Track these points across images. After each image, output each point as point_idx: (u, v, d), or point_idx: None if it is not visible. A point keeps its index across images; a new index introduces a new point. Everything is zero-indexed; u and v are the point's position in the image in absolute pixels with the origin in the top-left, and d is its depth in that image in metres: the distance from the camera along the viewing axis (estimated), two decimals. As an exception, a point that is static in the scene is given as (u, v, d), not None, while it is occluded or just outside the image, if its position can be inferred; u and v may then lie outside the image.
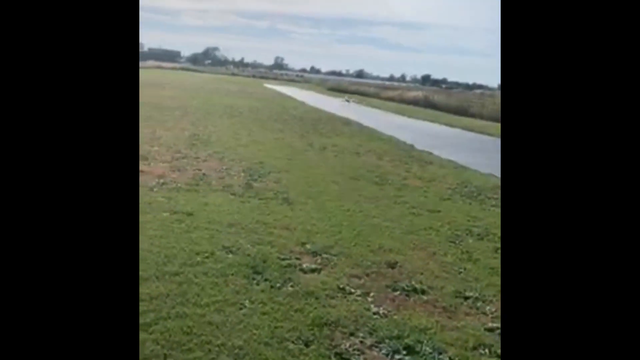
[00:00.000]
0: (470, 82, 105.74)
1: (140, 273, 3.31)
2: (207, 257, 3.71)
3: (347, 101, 30.00)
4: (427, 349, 2.81)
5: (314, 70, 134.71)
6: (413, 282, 3.66)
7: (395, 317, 3.13)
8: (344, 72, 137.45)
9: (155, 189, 5.52)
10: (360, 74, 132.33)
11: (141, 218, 4.46)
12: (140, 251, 3.68)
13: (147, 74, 45.17)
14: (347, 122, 16.33)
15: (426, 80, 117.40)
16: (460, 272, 3.95)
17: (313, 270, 3.69)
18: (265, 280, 3.42)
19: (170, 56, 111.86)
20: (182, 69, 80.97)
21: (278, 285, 3.37)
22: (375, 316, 3.11)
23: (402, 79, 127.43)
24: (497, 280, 3.82)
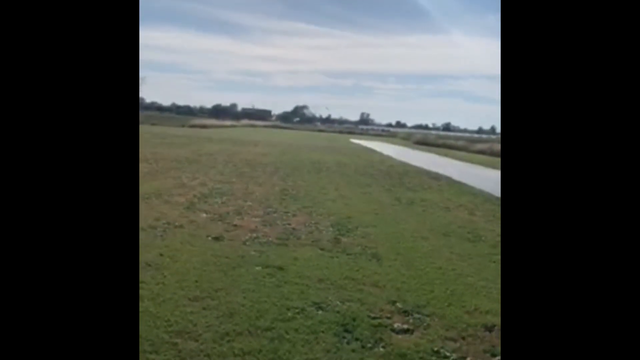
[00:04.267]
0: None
1: (234, 327, 3.40)
2: (297, 313, 3.72)
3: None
4: None
5: (400, 125, 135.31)
6: (514, 349, 3.40)
7: (495, 386, 2.91)
8: (430, 125, 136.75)
9: (247, 243, 5.71)
10: (447, 127, 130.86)
11: (235, 271, 4.62)
12: (234, 304, 3.79)
13: (241, 132, 47.96)
14: (435, 176, 16.06)
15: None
16: (567, 340, 3.62)
17: (405, 331, 3.56)
18: (356, 339, 3.35)
19: (262, 115, 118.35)
20: (273, 126, 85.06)
21: (369, 345, 3.29)
22: (473, 384, 2.91)
23: (492, 131, 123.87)
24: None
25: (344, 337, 3.37)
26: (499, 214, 9.01)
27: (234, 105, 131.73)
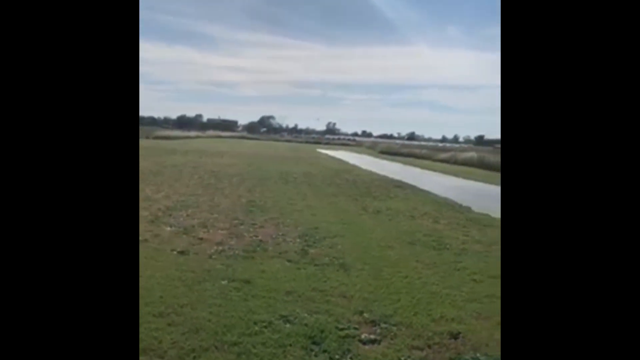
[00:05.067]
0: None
1: (200, 343, 3.34)
2: (265, 327, 3.70)
3: None
4: None
5: (366, 134, 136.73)
6: (478, 354, 3.48)
7: (461, 393, 2.95)
8: (395, 135, 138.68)
9: (214, 256, 5.64)
10: (412, 137, 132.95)
11: (200, 286, 4.55)
12: (199, 320, 3.73)
13: (207, 143, 47.41)
14: (400, 185, 16.27)
15: (480, 140, 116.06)
16: (529, 344, 3.71)
17: (372, 341, 3.58)
18: (324, 351, 3.35)
19: (228, 126, 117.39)
20: (240, 137, 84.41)
21: (337, 357, 3.29)
22: (439, 392, 2.95)
23: (455, 140, 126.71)
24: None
25: (311, 350, 3.36)
26: (462, 222, 9.21)
27: (199, 116, 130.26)
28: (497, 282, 5.31)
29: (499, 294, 4.89)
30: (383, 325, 3.88)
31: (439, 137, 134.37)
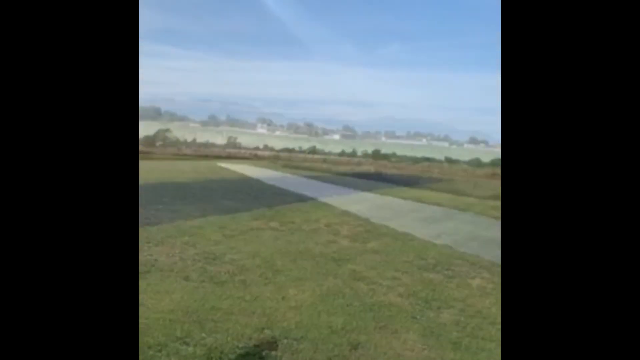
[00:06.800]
0: (418, 155, 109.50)
1: (85, 374, 3.06)
2: (159, 351, 3.49)
3: None
4: None
5: (268, 148, 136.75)
6: (377, 364, 3.55)
7: (361, 404, 2.99)
8: (297, 148, 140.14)
9: (103, 278, 5.24)
10: (313, 150, 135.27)
11: (87, 311, 4.19)
12: (85, 349, 3.43)
13: (97, 156, 44.37)
14: (302, 197, 16.42)
15: (376, 154, 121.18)
16: (424, 350, 3.87)
17: (273, 358, 3.51)
18: (223, 372, 3.23)
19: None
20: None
21: (237, 377, 3.18)
22: (340, 405, 2.96)
23: (354, 153, 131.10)
24: (461, 355, 3.76)
25: (210, 372, 3.22)
26: (361, 233, 9.48)
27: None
28: (395, 291, 5.50)
29: (395, 301, 5.07)
30: (284, 341, 3.83)
31: (339, 150, 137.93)
